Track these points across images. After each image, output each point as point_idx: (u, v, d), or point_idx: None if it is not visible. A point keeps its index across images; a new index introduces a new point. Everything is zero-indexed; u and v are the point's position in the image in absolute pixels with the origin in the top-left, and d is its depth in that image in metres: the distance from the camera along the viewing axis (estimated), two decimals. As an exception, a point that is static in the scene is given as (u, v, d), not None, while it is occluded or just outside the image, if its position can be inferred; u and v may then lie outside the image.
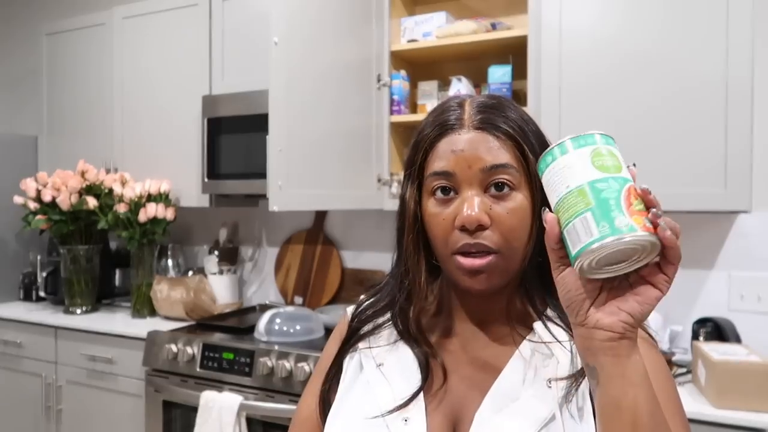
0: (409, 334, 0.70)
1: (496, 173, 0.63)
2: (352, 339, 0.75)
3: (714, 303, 1.84)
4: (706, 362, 1.48)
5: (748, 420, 1.35)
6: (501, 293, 0.69)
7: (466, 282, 0.65)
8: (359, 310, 0.77)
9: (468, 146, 0.64)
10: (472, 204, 0.63)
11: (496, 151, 0.64)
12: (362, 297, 0.80)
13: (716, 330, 1.70)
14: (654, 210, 0.49)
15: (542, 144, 0.66)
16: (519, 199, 0.64)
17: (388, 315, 0.74)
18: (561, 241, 0.52)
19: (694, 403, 1.45)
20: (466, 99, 0.69)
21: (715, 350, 1.50)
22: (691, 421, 1.40)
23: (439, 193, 0.65)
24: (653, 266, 0.51)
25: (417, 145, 0.69)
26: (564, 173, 0.50)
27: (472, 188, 0.64)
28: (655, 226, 0.48)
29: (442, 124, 0.67)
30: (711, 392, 1.43)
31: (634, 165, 0.52)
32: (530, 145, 0.65)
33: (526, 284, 0.68)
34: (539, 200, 0.64)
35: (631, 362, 0.51)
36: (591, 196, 0.48)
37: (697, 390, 1.53)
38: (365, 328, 0.74)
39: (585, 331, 0.52)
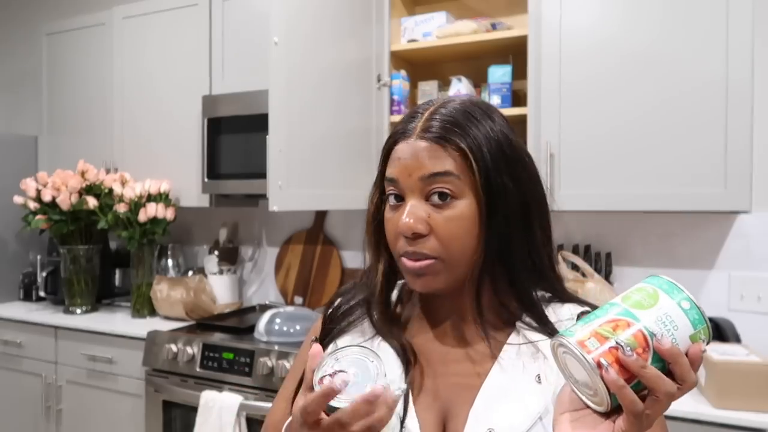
0: (383, 330, 0.72)
1: (435, 182, 0.64)
2: (326, 340, 0.76)
3: (714, 303, 1.84)
4: (706, 362, 1.48)
5: (748, 420, 1.35)
6: (462, 295, 0.70)
7: (411, 283, 0.69)
8: (331, 310, 0.79)
9: (410, 155, 0.66)
10: (409, 213, 0.65)
11: (436, 160, 0.64)
12: (333, 298, 0.81)
13: (716, 330, 1.70)
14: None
15: (503, 153, 0.65)
16: (461, 207, 0.64)
17: (361, 310, 0.76)
18: None
19: (694, 403, 1.44)
20: (430, 107, 0.69)
21: (715, 350, 1.50)
22: (691, 421, 1.40)
23: (391, 199, 0.68)
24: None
25: (382, 150, 0.72)
26: None
27: (414, 196, 0.66)
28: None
29: (398, 131, 0.69)
30: (711, 392, 1.43)
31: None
32: (479, 153, 0.64)
33: (497, 286, 0.69)
34: (487, 209, 0.64)
35: None
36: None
37: (697, 390, 1.53)
38: (339, 327, 0.76)
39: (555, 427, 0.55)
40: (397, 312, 0.76)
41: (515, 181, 0.66)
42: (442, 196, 0.64)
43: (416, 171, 0.65)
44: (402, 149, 0.67)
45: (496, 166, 0.65)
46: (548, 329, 0.67)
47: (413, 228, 0.64)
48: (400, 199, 0.67)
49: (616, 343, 0.49)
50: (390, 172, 0.68)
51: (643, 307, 0.51)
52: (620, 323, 0.50)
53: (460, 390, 0.67)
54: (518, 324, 0.68)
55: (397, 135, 0.69)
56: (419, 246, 0.65)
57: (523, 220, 0.66)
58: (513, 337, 0.68)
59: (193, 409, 1.91)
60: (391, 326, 0.72)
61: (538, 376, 0.65)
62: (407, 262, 0.66)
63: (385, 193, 0.70)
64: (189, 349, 1.99)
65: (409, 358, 0.69)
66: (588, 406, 0.53)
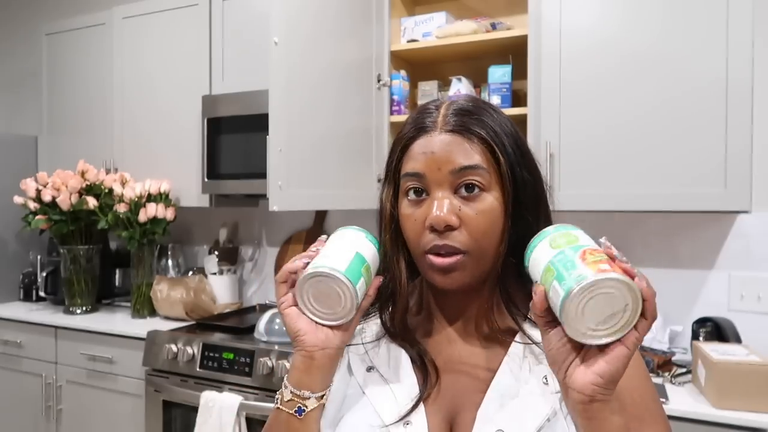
0: (398, 334, 0.70)
1: (466, 174, 0.64)
2: None
3: (714, 303, 1.84)
4: (706, 362, 1.48)
5: (748, 420, 1.35)
6: (479, 292, 0.70)
7: (437, 280, 0.66)
8: None
9: (438, 148, 0.65)
10: (440, 205, 0.64)
11: (466, 153, 0.65)
12: None
13: (716, 330, 1.70)
14: (616, 255, 0.54)
15: (520, 148, 0.67)
16: (489, 200, 0.65)
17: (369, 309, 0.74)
18: (546, 310, 0.55)
19: (694, 403, 1.44)
20: (444, 102, 0.70)
21: (715, 350, 1.50)
22: (691, 421, 1.40)
23: (411, 194, 0.67)
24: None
25: (394, 147, 0.71)
26: (536, 263, 0.59)
27: (442, 189, 0.65)
28: (627, 272, 0.52)
29: (416, 126, 0.68)
30: (711, 392, 1.43)
31: (604, 239, 0.57)
32: (502, 147, 0.65)
33: (505, 284, 0.69)
34: (511, 201, 0.65)
35: (605, 424, 0.53)
36: (553, 269, 0.55)
37: (697, 390, 1.53)
38: None
39: (564, 389, 0.55)
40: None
41: (531, 174, 0.67)
42: (470, 188, 0.64)
43: (446, 165, 0.64)
44: (425, 144, 0.66)
45: (516, 159, 0.66)
46: None
47: (447, 220, 0.63)
48: (421, 194, 0.66)
49: (612, 256, 0.54)
50: (413, 166, 0.66)
51: (576, 240, 0.57)
52: (587, 252, 0.54)
53: (467, 391, 0.67)
54: (525, 324, 0.68)
55: (413, 131, 0.68)
56: (450, 239, 0.64)
57: (536, 213, 0.67)
58: (520, 338, 0.68)
59: (193, 409, 1.91)
60: (405, 331, 0.71)
61: (546, 377, 0.64)
62: (435, 259, 0.65)
63: (398, 190, 0.69)
64: (189, 349, 1.99)
65: (427, 369, 0.68)
66: (599, 346, 0.53)
